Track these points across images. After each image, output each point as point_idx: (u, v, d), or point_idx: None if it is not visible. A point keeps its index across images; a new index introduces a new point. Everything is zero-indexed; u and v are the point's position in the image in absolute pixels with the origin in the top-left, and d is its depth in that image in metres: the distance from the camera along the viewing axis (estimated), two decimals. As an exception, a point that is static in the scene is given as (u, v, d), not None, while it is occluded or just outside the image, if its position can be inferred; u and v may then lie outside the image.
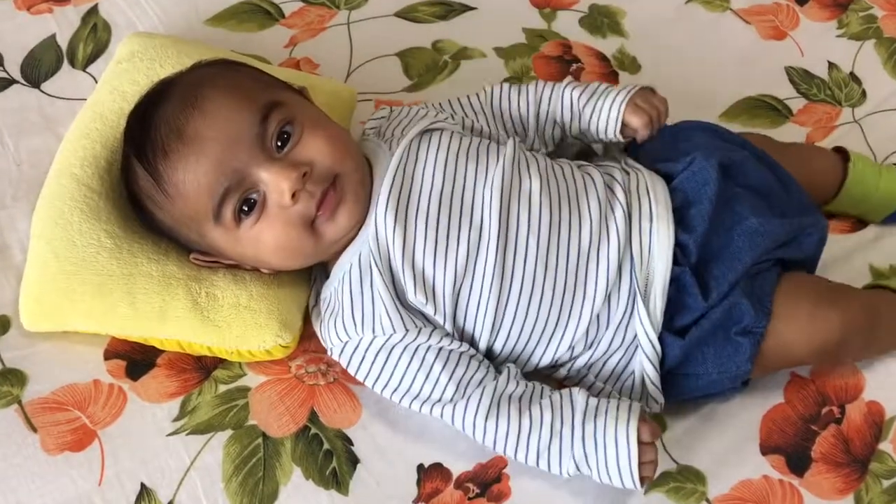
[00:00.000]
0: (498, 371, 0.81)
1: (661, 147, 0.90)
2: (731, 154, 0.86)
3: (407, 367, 0.79)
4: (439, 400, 0.79)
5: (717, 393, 0.84)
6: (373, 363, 0.80)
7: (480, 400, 0.78)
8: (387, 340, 0.79)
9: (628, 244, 0.81)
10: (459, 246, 0.79)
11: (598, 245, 0.81)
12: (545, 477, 0.81)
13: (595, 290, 0.80)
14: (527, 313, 0.79)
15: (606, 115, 0.87)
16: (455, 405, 0.78)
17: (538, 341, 0.81)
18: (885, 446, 0.86)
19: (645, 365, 0.80)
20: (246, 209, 0.78)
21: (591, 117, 0.89)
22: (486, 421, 0.77)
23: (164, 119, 0.78)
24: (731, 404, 0.87)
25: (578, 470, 0.77)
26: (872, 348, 0.88)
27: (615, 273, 0.80)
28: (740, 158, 0.86)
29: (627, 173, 0.87)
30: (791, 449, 0.85)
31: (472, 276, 0.79)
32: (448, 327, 0.80)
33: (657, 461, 0.78)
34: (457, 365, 0.79)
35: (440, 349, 0.79)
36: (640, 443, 0.75)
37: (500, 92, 0.93)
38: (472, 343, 0.81)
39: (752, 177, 0.86)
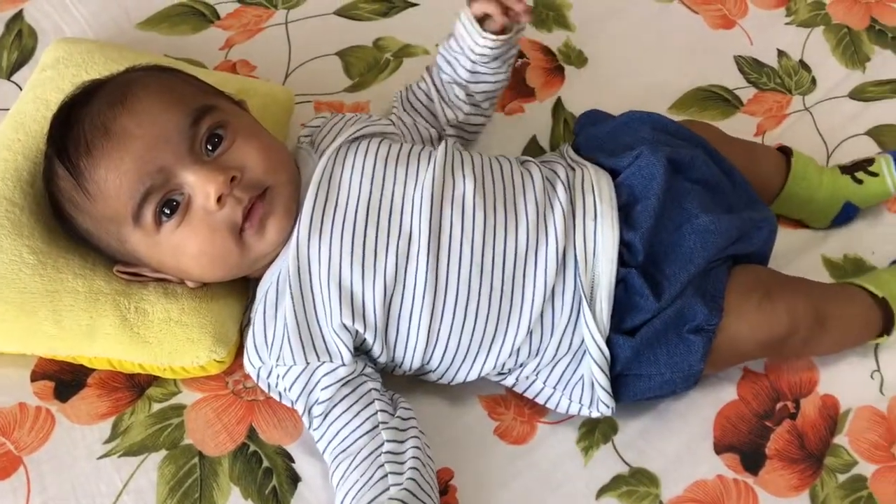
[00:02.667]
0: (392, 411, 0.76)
1: (606, 140, 0.88)
2: (678, 148, 0.84)
3: (296, 400, 0.76)
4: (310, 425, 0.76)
5: (669, 393, 0.82)
6: (277, 389, 0.77)
7: (342, 444, 0.74)
8: (288, 370, 0.76)
9: (571, 245, 0.78)
10: (388, 257, 0.75)
11: (535, 247, 0.78)
12: (492, 487, 0.79)
13: (534, 294, 0.77)
14: (464, 322, 0.76)
15: (461, 26, 0.86)
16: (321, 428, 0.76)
17: (478, 350, 0.78)
18: (840, 440, 0.84)
19: (593, 369, 0.78)
20: (168, 212, 0.74)
21: (455, 44, 0.88)
22: (335, 469, 0.75)
23: (90, 117, 0.74)
24: (683, 403, 0.85)
25: None
26: (822, 344, 0.86)
27: (554, 275, 0.77)
28: (689, 153, 0.84)
29: (573, 169, 0.84)
30: (745, 447, 0.83)
31: (403, 288, 0.75)
32: (377, 348, 0.76)
33: None
34: (343, 397, 0.75)
35: (334, 393, 0.75)
36: None
37: (407, 89, 0.93)
38: (406, 359, 0.78)
39: (701, 171, 0.83)
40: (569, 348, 0.78)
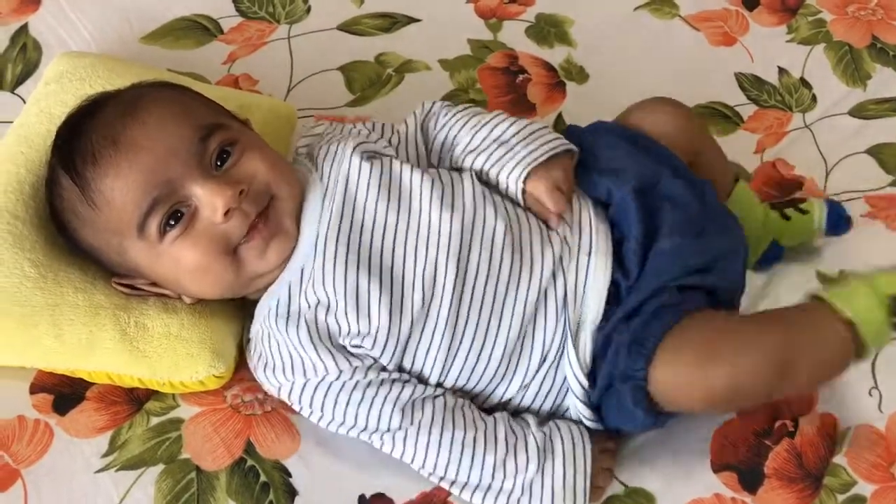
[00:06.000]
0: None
1: (589, 157, 0.85)
2: (646, 172, 0.81)
3: (347, 404, 0.76)
4: (388, 430, 0.76)
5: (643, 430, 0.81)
6: (311, 403, 0.77)
7: (433, 417, 0.75)
8: (321, 381, 0.76)
9: (572, 281, 0.78)
10: (415, 291, 0.75)
11: (547, 291, 0.77)
12: (490, 504, 0.79)
13: (543, 336, 0.77)
14: (476, 362, 0.76)
15: (503, 177, 0.81)
16: (406, 432, 0.76)
17: (482, 389, 0.78)
18: (839, 459, 0.84)
19: (578, 406, 0.78)
20: (172, 223, 0.74)
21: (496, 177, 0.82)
22: (440, 436, 0.75)
23: (97, 128, 0.75)
24: (680, 421, 0.84)
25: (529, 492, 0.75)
26: (791, 389, 0.79)
27: (557, 317, 0.77)
28: (656, 172, 0.81)
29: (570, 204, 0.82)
30: (743, 465, 0.83)
31: (425, 323, 0.75)
32: (392, 368, 0.77)
33: (612, 472, 0.77)
34: (401, 392, 0.76)
35: (381, 381, 0.76)
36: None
37: (428, 108, 0.88)
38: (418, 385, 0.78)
39: (671, 190, 0.81)
40: (552, 384, 0.78)
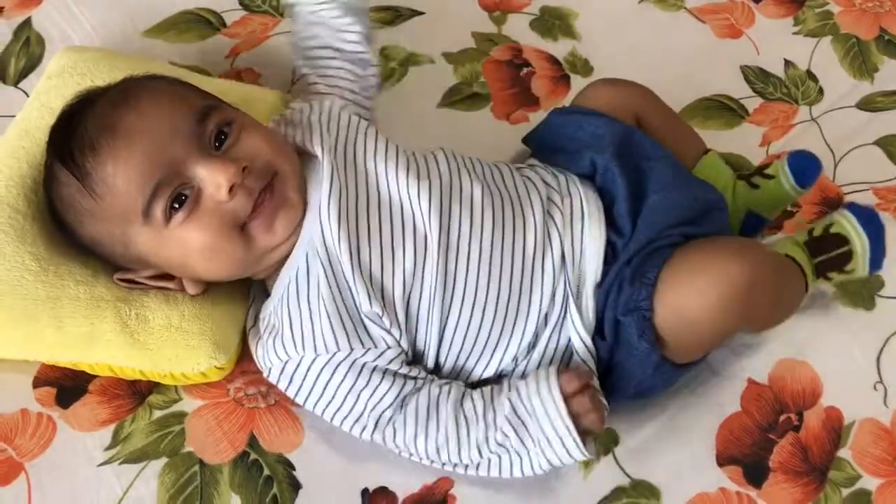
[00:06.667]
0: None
1: (558, 142, 0.88)
2: (619, 134, 0.84)
3: (352, 386, 0.76)
4: (378, 418, 0.76)
5: (650, 388, 0.80)
6: (315, 381, 0.77)
7: (417, 405, 0.76)
8: (330, 358, 0.76)
9: (570, 246, 0.79)
10: (406, 252, 0.76)
11: (542, 251, 0.79)
12: (492, 497, 0.79)
13: (541, 296, 0.78)
14: (470, 321, 0.77)
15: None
16: (394, 422, 0.76)
17: (482, 351, 0.78)
18: (844, 453, 0.83)
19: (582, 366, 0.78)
20: (176, 206, 0.74)
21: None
22: (426, 426, 0.75)
23: (93, 119, 0.75)
24: (686, 414, 0.84)
25: (530, 468, 0.75)
26: (780, 307, 0.83)
27: (555, 279, 0.78)
28: (630, 135, 0.84)
29: (556, 174, 0.85)
30: (748, 459, 0.82)
31: (422, 283, 0.76)
32: (404, 343, 0.77)
33: (599, 412, 0.75)
34: (404, 384, 0.77)
35: (385, 371, 0.76)
36: (566, 396, 0.73)
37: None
38: (422, 357, 0.78)
39: (648, 148, 0.84)
40: (556, 346, 0.79)
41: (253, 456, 0.80)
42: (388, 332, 0.76)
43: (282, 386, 0.79)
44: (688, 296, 0.74)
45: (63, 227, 0.79)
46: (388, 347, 0.76)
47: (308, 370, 0.77)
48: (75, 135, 0.75)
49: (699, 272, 0.74)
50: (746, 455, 0.83)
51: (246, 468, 0.79)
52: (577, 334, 0.78)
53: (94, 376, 0.83)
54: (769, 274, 0.77)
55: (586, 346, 0.78)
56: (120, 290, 0.81)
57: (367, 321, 0.76)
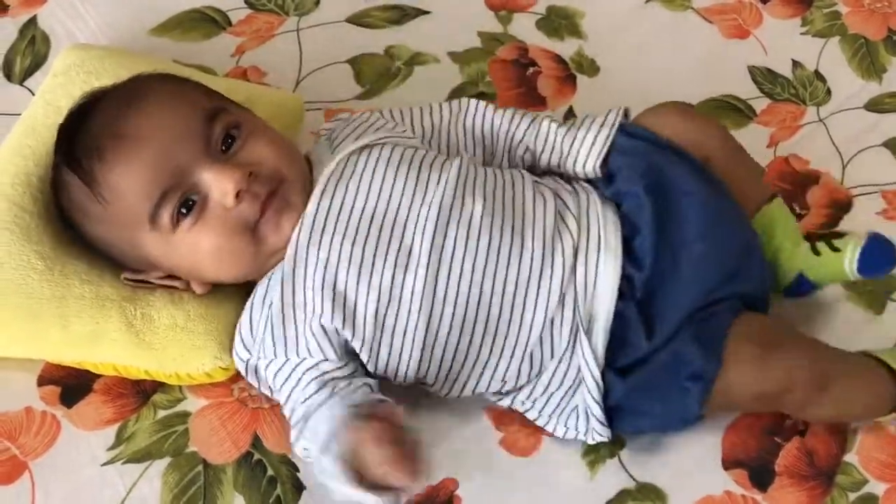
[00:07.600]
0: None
1: None
2: (656, 161, 0.81)
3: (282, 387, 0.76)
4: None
5: (662, 431, 0.81)
6: (267, 383, 0.78)
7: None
8: (269, 363, 0.76)
9: (573, 275, 0.77)
10: (385, 268, 0.74)
11: (539, 276, 0.76)
12: (497, 499, 0.78)
13: (532, 322, 0.75)
14: (458, 343, 0.75)
15: (589, 147, 0.82)
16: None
17: (471, 371, 0.77)
18: (850, 458, 0.83)
19: (588, 401, 0.77)
20: (184, 211, 0.74)
21: (569, 148, 0.84)
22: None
23: (99, 123, 0.74)
24: (691, 418, 0.84)
25: None
26: (823, 410, 0.79)
27: (556, 305, 0.76)
28: (669, 165, 0.81)
29: (577, 194, 0.82)
30: (754, 463, 0.82)
31: (399, 302, 0.74)
32: (364, 356, 0.75)
33: (409, 464, 0.64)
34: (335, 388, 0.74)
35: (319, 387, 0.74)
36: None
37: (473, 107, 0.87)
38: (399, 372, 0.77)
39: (685, 184, 0.80)
40: (564, 376, 0.77)
41: (257, 456, 0.80)
42: (344, 345, 0.75)
43: (251, 381, 0.79)
44: (739, 380, 0.75)
45: (72, 228, 0.79)
46: (325, 359, 0.75)
47: (256, 371, 0.77)
48: (82, 139, 0.75)
49: (756, 358, 0.75)
50: (752, 458, 0.82)
51: (250, 468, 0.79)
52: (588, 368, 0.76)
53: (99, 375, 0.83)
54: (815, 372, 0.76)
55: (595, 380, 0.76)
56: (125, 289, 0.81)
57: (301, 334, 0.74)
